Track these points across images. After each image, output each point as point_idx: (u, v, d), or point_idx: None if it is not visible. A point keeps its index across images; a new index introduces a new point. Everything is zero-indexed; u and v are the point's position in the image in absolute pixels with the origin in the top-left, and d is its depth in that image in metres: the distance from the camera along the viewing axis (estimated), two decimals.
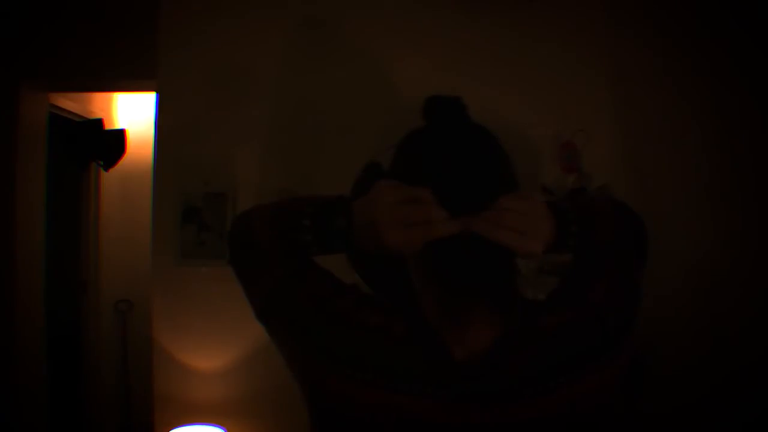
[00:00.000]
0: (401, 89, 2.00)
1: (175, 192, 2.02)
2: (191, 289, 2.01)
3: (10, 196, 2.37)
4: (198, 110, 2.04)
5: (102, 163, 3.08)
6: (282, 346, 0.74)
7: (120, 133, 3.14)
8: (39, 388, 2.54)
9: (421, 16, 2.06)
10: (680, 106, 1.87)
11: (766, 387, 1.56)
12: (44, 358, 2.59)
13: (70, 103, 2.87)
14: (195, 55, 2.05)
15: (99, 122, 3.03)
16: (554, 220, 0.69)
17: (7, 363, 2.33)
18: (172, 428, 1.91)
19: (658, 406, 1.83)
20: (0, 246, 2.35)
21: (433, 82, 1.98)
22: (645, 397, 1.82)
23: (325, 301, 0.70)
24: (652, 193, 1.91)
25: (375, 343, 0.67)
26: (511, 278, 0.74)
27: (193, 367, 1.99)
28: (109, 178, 3.28)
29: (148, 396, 2.02)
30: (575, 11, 2.04)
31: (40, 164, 2.57)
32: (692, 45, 1.82)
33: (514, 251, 0.65)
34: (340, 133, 2.02)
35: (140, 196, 3.27)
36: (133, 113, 3.48)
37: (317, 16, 2.06)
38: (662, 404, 1.82)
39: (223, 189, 2.02)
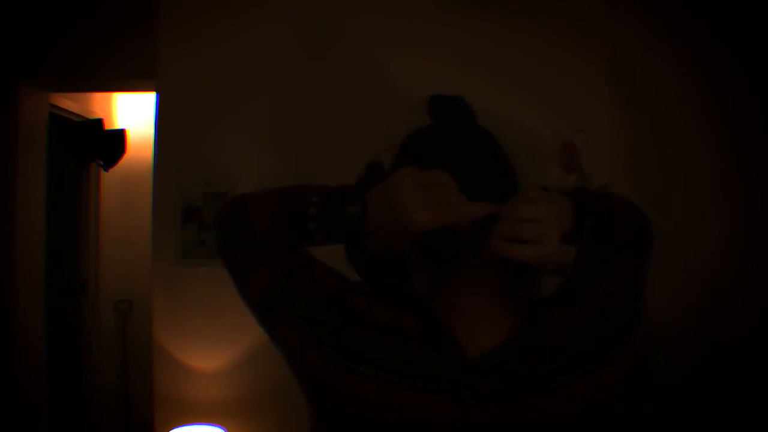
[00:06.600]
0: (402, 89, 1.99)
1: (175, 192, 2.01)
2: (191, 289, 2.00)
3: (11, 196, 2.37)
4: (198, 110, 2.04)
5: (102, 163, 3.09)
6: (283, 342, 0.71)
7: (120, 133, 3.14)
8: (39, 388, 2.54)
9: (421, 16, 2.06)
10: (681, 105, 1.87)
11: (766, 389, 1.56)
12: (44, 358, 2.58)
13: (70, 103, 2.87)
14: (195, 54, 2.05)
15: (99, 122, 3.03)
16: (572, 210, 0.68)
17: (7, 363, 2.33)
18: (172, 428, 1.91)
19: (659, 407, 1.82)
20: (0, 246, 2.35)
21: (434, 82, 1.99)
22: (646, 397, 1.82)
23: (336, 296, 0.69)
24: (652, 194, 1.90)
25: (386, 339, 0.66)
26: (529, 274, 0.74)
27: (193, 367, 1.99)
28: (109, 178, 3.28)
29: (148, 396, 2.02)
30: (575, 11, 2.04)
31: (40, 164, 2.56)
32: (692, 44, 1.82)
33: (532, 264, 0.63)
34: (341, 133, 2.02)
35: (140, 196, 3.28)
36: (133, 113, 3.48)
37: (318, 17, 2.06)
38: (663, 405, 1.82)
39: (223, 189, 2.01)
